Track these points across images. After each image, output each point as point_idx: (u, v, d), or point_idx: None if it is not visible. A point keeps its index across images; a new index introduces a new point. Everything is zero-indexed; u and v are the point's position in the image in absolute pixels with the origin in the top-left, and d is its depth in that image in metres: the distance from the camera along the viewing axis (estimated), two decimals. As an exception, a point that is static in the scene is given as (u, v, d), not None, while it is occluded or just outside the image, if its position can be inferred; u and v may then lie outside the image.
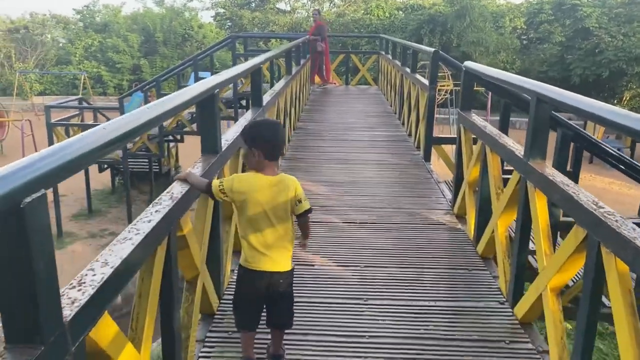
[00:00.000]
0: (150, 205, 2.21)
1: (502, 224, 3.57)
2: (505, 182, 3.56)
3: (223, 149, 3.14)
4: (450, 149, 7.33)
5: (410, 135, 8.01)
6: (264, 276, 2.40)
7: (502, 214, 3.52)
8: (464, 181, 4.62)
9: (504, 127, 4.84)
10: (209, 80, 2.98)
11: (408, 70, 8.72)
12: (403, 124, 8.91)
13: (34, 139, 14.74)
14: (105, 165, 12.83)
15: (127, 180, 11.96)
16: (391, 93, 11.15)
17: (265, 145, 2.36)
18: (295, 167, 6.14)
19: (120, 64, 27.42)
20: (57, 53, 29.32)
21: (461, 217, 4.71)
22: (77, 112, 12.43)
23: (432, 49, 6.77)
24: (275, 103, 5.72)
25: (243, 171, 3.50)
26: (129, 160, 12.06)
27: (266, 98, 5.13)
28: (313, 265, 3.72)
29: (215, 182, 2.44)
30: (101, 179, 14.63)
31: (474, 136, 4.41)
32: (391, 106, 10.94)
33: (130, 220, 7.72)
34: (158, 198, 2.29)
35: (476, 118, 4.43)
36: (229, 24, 31.06)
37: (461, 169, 4.76)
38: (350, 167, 6.31)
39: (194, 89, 2.78)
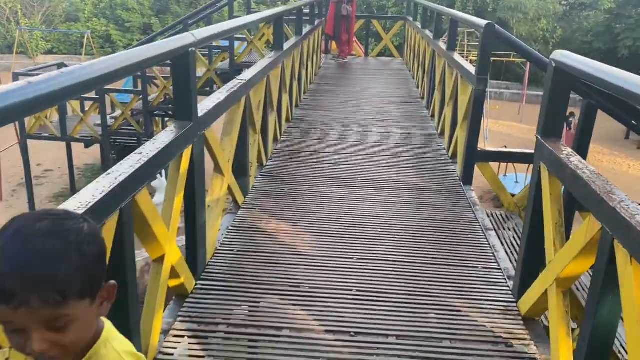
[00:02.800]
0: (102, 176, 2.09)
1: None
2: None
3: (200, 115, 2.99)
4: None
5: (442, 135, 6.33)
6: None
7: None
8: (547, 271, 2.68)
9: (584, 143, 4.01)
10: (184, 36, 2.81)
11: (443, 46, 6.86)
12: (432, 116, 7.22)
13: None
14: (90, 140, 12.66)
15: (110, 160, 11.93)
16: (418, 71, 9.37)
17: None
18: (272, 193, 4.50)
19: (130, 23, 27.36)
20: (65, 9, 29.33)
21: (533, 326, 2.91)
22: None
23: (484, 22, 4.55)
24: (263, 79, 4.76)
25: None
26: (121, 133, 12.03)
27: (252, 71, 4.40)
28: None
29: None
30: (94, 153, 14.63)
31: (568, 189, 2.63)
32: (418, 88, 9.22)
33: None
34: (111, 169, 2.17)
35: (578, 162, 2.51)
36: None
37: (536, 241, 2.94)
38: (354, 195, 4.51)
39: (164, 43, 2.62)
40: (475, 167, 4.93)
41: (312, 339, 2.73)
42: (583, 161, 2.55)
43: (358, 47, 14.70)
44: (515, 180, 14.88)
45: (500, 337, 2.82)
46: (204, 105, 3.18)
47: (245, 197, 4.35)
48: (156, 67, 12.43)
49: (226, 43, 11.73)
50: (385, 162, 5.44)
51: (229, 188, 3.92)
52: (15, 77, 10.10)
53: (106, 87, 11.16)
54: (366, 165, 5.30)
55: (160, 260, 2.63)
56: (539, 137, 2.92)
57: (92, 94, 11.67)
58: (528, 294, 2.95)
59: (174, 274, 2.81)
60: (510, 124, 21.06)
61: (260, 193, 4.52)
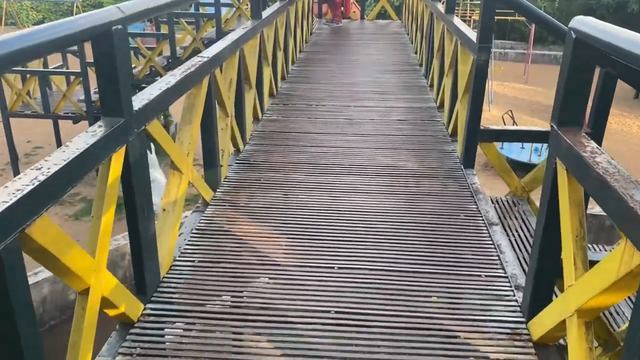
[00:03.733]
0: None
1: None
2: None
3: (138, 108, 2.43)
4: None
5: (441, 108, 5.77)
6: None
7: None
8: (566, 297, 2.15)
9: (601, 119, 3.58)
10: (107, 10, 2.21)
11: (441, 8, 6.14)
12: (431, 85, 6.59)
13: None
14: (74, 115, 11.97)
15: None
16: (417, 34, 8.73)
17: None
18: (247, 185, 3.94)
19: (122, -10, 26.36)
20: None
21: (547, 355, 2.42)
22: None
23: None
24: (236, 52, 4.14)
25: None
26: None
27: (218, 46, 3.80)
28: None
29: None
30: (85, 128, 14.09)
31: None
32: (416, 53, 8.57)
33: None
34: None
35: (606, 162, 1.94)
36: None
37: (551, 251, 2.48)
38: (340, 185, 3.97)
39: (77, 21, 2.03)
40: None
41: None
42: (612, 161, 1.98)
43: (356, 8, 13.91)
44: (522, 145, 14.25)
45: (507, 369, 2.31)
46: (144, 94, 2.60)
47: (215, 192, 3.80)
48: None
49: (212, 9, 10.99)
50: (378, 143, 4.85)
51: (193, 185, 3.37)
52: None
53: (89, 60, 10.53)
54: (356, 148, 4.72)
55: (85, 293, 2.11)
56: (554, 127, 2.34)
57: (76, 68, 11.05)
58: (541, 318, 2.43)
59: (108, 304, 2.30)
60: (515, 86, 20.28)
61: (233, 185, 3.97)
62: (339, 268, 2.98)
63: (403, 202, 3.76)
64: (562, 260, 2.24)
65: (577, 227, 2.17)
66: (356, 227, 3.40)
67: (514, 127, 4.52)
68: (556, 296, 2.63)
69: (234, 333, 2.52)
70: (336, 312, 2.63)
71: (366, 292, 2.78)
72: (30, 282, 1.79)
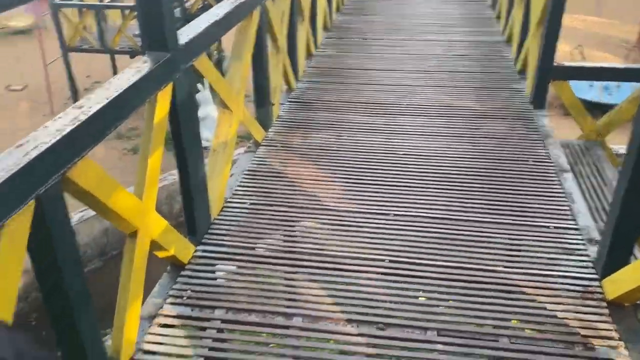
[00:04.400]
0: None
1: None
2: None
3: (183, 42, 2.27)
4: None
5: (509, 42, 5.28)
6: None
7: None
8: None
9: None
10: None
11: None
12: (498, 17, 6.01)
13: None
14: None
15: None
16: None
17: None
18: (300, 124, 3.76)
19: None
20: None
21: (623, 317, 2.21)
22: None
23: None
24: None
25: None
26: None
27: None
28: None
29: None
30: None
31: None
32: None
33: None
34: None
35: None
36: None
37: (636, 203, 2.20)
38: (398, 126, 3.74)
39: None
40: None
41: (326, 331, 2.15)
42: None
43: None
44: (590, 83, 13.23)
45: (576, 333, 2.13)
46: (191, 28, 2.44)
47: (267, 132, 3.67)
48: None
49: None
50: (439, 81, 4.53)
51: (244, 124, 3.24)
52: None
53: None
54: (415, 86, 4.42)
55: (133, 235, 2.05)
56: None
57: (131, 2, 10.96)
58: (620, 277, 2.21)
59: (158, 246, 2.25)
60: (586, 18, 18.76)
61: (286, 125, 3.82)
62: (395, 215, 2.82)
63: (465, 145, 3.51)
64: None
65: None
66: (414, 171, 3.20)
67: (594, 64, 4.05)
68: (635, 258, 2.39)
69: (285, 278, 2.44)
70: (391, 261, 2.50)
71: (423, 242, 2.62)
72: (91, 213, 1.74)
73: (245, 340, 2.14)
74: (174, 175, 8.19)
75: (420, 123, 3.80)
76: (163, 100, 2.15)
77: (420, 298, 2.28)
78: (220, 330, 2.17)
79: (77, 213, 6.26)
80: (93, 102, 1.75)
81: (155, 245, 2.22)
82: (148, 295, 2.33)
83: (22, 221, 1.41)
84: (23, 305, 5.42)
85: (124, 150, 10.06)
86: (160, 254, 2.35)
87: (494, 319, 2.18)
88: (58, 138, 1.53)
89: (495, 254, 2.54)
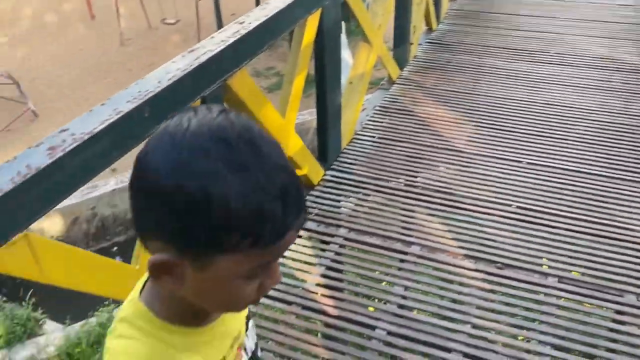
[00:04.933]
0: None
1: None
2: None
3: None
4: None
5: None
6: None
7: None
8: None
9: None
10: None
11: None
12: None
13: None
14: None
15: None
16: None
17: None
18: (436, 66, 3.64)
19: None
20: None
21: None
22: None
23: None
24: None
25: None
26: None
27: None
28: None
29: None
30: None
31: None
32: None
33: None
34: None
35: None
36: None
37: None
38: (541, 74, 3.54)
39: None
40: None
41: (443, 262, 2.21)
42: None
43: None
44: None
45: None
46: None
47: (402, 70, 3.68)
48: None
49: None
50: (593, 30, 4.18)
51: (381, 60, 3.29)
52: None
53: None
54: (566, 35, 4.13)
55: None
56: None
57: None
58: None
59: (293, 164, 2.43)
60: None
61: (422, 66, 3.79)
62: (528, 163, 2.75)
63: (614, 100, 3.27)
64: None
65: None
66: (553, 122, 3.07)
67: None
68: None
69: (405, 210, 2.52)
70: (518, 207, 2.47)
71: (554, 192, 2.54)
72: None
73: (364, 258, 2.28)
74: (302, 115, 8.47)
75: (567, 74, 3.58)
76: (311, 25, 2.27)
77: (543, 247, 2.25)
78: (342, 246, 2.33)
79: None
80: (252, 19, 1.91)
81: (291, 162, 2.40)
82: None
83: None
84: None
85: (260, 87, 10.55)
86: (294, 172, 2.54)
87: (621, 274, 2.10)
88: (222, 48, 1.71)
89: (630, 212, 2.41)
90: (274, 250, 0.60)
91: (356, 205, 2.58)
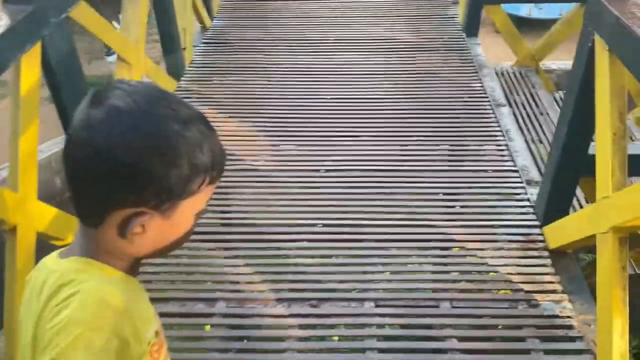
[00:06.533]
0: None
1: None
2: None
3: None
4: None
5: None
6: None
7: None
8: (598, 209, 1.77)
9: None
10: None
11: None
12: None
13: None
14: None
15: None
16: None
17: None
18: (217, 69, 3.37)
19: None
20: None
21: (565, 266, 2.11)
22: None
23: None
24: None
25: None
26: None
27: None
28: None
29: None
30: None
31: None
32: None
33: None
34: None
35: None
36: None
37: (578, 144, 2.06)
38: (323, 63, 3.48)
39: None
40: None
41: (255, 315, 1.94)
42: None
43: None
44: None
45: (520, 289, 2.02)
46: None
47: (179, 81, 3.28)
48: None
49: None
50: (367, 10, 4.17)
51: (149, 78, 2.85)
52: None
53: None
54: (342, 17, 4.07)
55: (13, 232, 1.73)
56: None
57: None
58: (562, 225, 2.10)
59: (49, 238, 1.94)
60: None
61: (201, 72, 3.43)
62: (326, 171, 2.58)
63: (397, 83, 3.27)
64: (595, 161, 1.85)
65: (617, 123, 1.75)
66: (345, 119, 2.94)
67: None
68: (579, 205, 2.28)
69: (206, 259, 2.19)
70: (323, 225, 2.29)
71: (356, 199, 2.41)
72: None
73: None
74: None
75: (349, 61, 3.51)
76: (29, 65, 1.76)
77: (355, 267, 2.10)
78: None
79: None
80: None
81: (45, 238, 1.91)
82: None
83: None
84: None
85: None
86: (59, 243, 2.04)
87: (434, 281, 2.04)
88: None
89: (430, 206, 2.38)
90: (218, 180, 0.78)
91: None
